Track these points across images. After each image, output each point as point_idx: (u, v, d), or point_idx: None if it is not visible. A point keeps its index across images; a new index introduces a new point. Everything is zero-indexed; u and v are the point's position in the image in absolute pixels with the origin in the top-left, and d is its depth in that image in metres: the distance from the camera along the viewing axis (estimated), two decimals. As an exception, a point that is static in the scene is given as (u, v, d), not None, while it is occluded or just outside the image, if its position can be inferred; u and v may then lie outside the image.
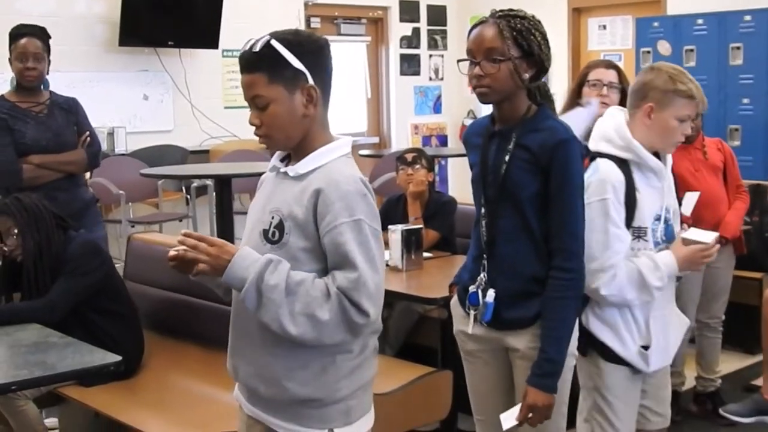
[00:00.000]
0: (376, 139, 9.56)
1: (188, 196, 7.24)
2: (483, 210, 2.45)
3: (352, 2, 9.04)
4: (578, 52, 8.88)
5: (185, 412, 3.21)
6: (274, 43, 1.95)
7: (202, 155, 7.60)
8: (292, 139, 2.00)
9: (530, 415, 2.37)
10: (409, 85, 9.69)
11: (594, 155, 2.69)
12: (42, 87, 4.39)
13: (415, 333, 4.33)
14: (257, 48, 1.94)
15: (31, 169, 4.23)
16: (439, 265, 4.17)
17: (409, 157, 4.60)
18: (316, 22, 8.71)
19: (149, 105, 7.45)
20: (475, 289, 2.46)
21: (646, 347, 2.64)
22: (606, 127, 2.71)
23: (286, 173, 2.01)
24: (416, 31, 9.65)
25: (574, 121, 3.17)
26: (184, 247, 1.93)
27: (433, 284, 3.79)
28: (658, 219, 2.66)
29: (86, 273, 3.35)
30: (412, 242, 4.06)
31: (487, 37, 2.33)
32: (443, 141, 9.93)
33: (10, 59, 4.31)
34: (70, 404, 3.48)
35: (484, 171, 2.44)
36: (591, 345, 2.65)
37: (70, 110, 4.42)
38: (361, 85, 9.46)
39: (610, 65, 3.63)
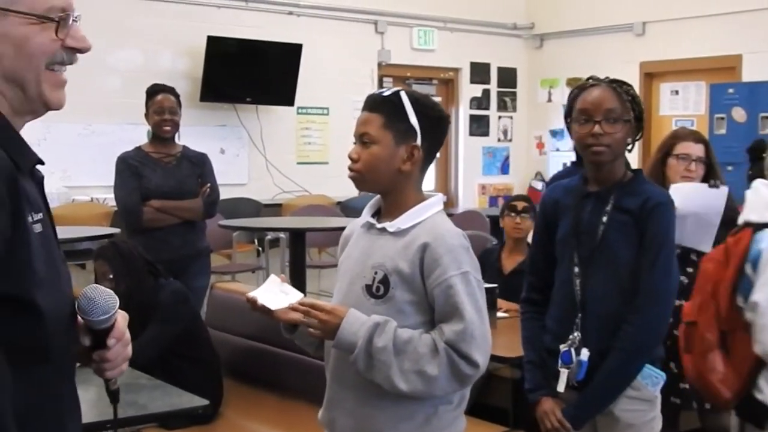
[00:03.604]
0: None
1: (260, 248, 7.38)
2: (576, 269, 2.48)
3: (424, 63, 9.22)
4: (650, 116, 8.88)
5: (263, 459, 3.26)
6: (402, 95, 2.05)
7: (275, 209, 7.75)
8: (380, 184, 2.08)
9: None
10: (478, 145, 9.78)
11: (758, 226, 2.44)
12: (175, 139, 4.75)
13: (484, 392, 4.33)
14: (387, 93, 2.06)
15: (151, 212, 4.61)
16: (513, 324, 4.17)
17: (520, 206, 4.61)
18: (388, 82, 8.89)
19: (225, 159, 7.63)
20: (567, 348, 2.46)
21: None
22: None
23: (383, 229, 2.07)
24: (486, 93, 9.77)
25: (703, 195, 3.23)
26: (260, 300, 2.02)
27: (504, 344, 3.78)
28: None
29: (176, 321, 3.48)
30: (486, 302, 4.07)
31: (607, 99, 2.42)
32: (510, 202, 9.95)
33: (146, 114, 4.73)
34: (150, 447, 3.56)
35: (577, 231, 2.48)
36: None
37: (198, 163, 4.80)
38: (430, 145, 9.55)
39: (699, 139, 3.61)
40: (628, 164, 2.54)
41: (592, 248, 2.44)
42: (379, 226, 2.09)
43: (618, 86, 2.45)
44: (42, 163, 1.40)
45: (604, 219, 2.43)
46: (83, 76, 6.84)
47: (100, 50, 6.96)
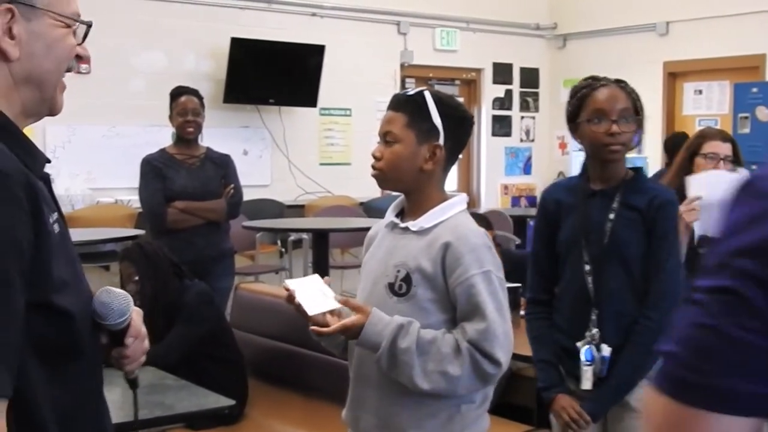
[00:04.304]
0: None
1: (283, 249, 7.41)
2: (587, 267, 2.50)
3: (447, 64, 9.21)
4: (673, 116, 8.84)
5: (288, 459, 3.28)
6: (426, 94, 2.07)
7: (297, 210, 7.77)
8: (402, 183, 2.10)
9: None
10: (500, 145, 9.76)
11: None
12: (199, 141, 4.78)
13: (508, 391, 4.32)
14: (411, 93, 2.08)
15: (175, 213, 4.64)
16: (536, 324, 4.18)
17: None
18: (411, 83, 8.89)
19: (248, 160, 7.65)
20: (587, 346, 2.48)
21: None
22: None
23: (406, 228, 2.09)
24: (509, 93, 9.75)
25: (727, 181, 3.24)
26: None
27: (527, 343, 3.80)
28: None
29: (201, 321, 3.50)
30: (509, 302, 4.07)
31: (621, 98, 2.46)
32: (532, 202, 9.93)
33: (170, 116, 4.75)
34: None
35: (586, 230, 2.50)
36: None
37: (221, 165, 4.83)
38: (452, 145, 9.56)
39: (726, 138, 3.63)
40: None
41: (602, 246, 2.47)
42: (402, 225, 2.11)
43: (624, 85, 2.50)
44: (49, 161, 1.40)
45: (611, 216, 2.47)
46: (107, 78, 6.93)
47: (124, 52, 7.02)
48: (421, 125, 2.05)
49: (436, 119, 2.06)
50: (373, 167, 2.10)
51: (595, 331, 2.48)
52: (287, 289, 2.05)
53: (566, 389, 2.53)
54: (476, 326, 1.95)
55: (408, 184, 2.09)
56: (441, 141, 2.06)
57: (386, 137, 2.07)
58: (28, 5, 1.28)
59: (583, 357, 2.49)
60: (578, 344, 2.49)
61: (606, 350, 2.45)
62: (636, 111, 2.47)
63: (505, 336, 1.98)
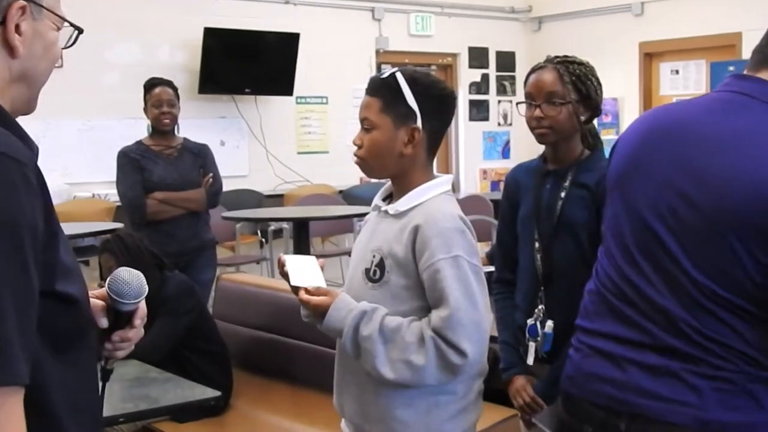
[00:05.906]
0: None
1: (263, 239, 7.38)
2: (537, 245, 2.51)
3: (422, 49, 9.20)
4: (650, 96, 8.87)
5: (275, 449, 3.26)
6: (398, 76, 2.00)
7: (276, 199, 7.75)
8: (384, 169, 2.05)
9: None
10: (478, 130, 9.77)
11: None
12: (175, 132, 4.74)
13: (492, 375, 4.32)
14: (384, 76, 2.02)
15: (154, 204, 4.60)
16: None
17: None
18: (386, 69, 8.85)
19: (225, 150, 7.62)
20: (533, 321, 2.49)
21: None
22: None
23: (386, 212, 2.05)
24: (485, 77, 9.75)
25: None
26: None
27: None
28: None
29: (184, 313, 3.46)
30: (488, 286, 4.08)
31: (548, 81, 2.44)
32: (512, 186, 9.96)
33: (145, 108, 4.71)
34: (162, 440, 3.56)
35: (538, 208, 2.51)
36: None
37: (199, 154, 4.80)
38: (430, 131, 9.55)
39: None
40: (591, 137, 2.54)
41: (553, 224, 2.47)
42: (383, 208, 2.07)
43: (563, 67, 2.45)
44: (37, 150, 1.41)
45: (563, 195, 2.47)
46: (82, 72, 6.85)
47: (98, 46, 6.95)
48: (398, 109, 1.98)
49: (411, 101, 1.98)
50: (355, 155, 2.05)
51: (541, 307, 2.48)
52: (280, 259, 2.04)
53: (524, 370, 2.53)
54: (441, 313, 1.87)
55: (391, 170, 2.04)
56: (419, 123, 1.99)
57: (364, 124, 2.02)
58: (38, 4, 1.29)
59: (527, 333, 2.50)
60: (528, 321, 2.50)
61: (548, 327, 2.46)
62: (575, 93, 2.43)
63: (474, 325, 1.87)
